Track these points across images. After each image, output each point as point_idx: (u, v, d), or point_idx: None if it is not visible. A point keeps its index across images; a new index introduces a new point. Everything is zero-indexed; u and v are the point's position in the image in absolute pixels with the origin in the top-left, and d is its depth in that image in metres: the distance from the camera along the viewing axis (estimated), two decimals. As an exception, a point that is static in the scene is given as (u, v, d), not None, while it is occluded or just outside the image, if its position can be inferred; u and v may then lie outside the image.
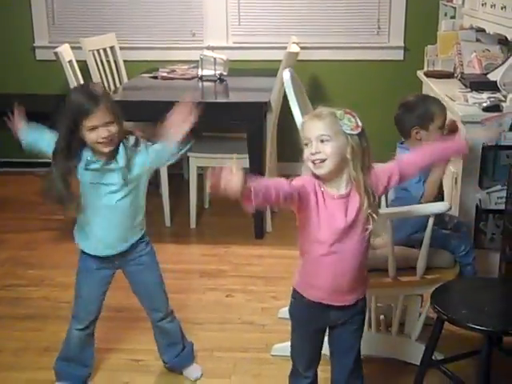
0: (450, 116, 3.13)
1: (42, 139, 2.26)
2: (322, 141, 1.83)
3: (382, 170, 1.97)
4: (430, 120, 2.50)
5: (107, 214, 2.21)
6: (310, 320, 2.00)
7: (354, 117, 1.87)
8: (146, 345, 2.68)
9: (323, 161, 1.83)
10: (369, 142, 1.90)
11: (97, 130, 2.09)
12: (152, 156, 2.22)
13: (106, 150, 2.13)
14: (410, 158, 2.09)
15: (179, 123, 2.19)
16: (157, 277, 2.39)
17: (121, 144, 2.17)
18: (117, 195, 2.19)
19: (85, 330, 2.40)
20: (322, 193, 1.87)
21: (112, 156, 2.16)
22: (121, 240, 2.27)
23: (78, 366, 2.45)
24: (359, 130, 1.86)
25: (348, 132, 1.85)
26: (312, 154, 1.83)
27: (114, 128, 2.11)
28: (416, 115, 2.52)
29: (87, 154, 2.16)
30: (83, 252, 2.32)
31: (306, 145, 1.86)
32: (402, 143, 2.58)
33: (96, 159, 2.16)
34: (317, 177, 1.87)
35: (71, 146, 2.14)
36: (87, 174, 2.17)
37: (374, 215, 1.88)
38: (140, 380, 2.55)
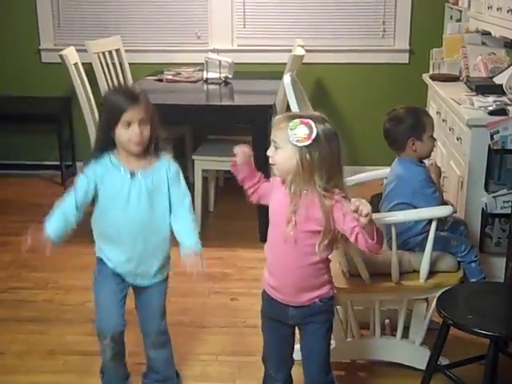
0: (457, 120, 3.13)
1: (67, 215, 2.13)
2: (275, 147, 1.90)
3: (348, 220, 1.86)
4: (423, 130, 2.49)
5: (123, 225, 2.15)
6: (273, 315, 2.04)
7: (310, 128, 1.83)
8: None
9: (273, 165, 1.93)
10: (330, 156, 1.87)
11: (132, 127, 2.03)
12: (175, 211, 2.18)
13: (136, 149, 2.07)
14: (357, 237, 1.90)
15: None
16: (162, 301, 2.33)
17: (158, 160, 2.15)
18: (133, 208, 2.13)
19: (112, 349, 2.26)
20: (278, 189, 1.97)
21: (140, 166, 2.13)
22: (135, 263, 2.20)
23: (119, 378, 2.38)
24: (309, 141, 1.83)
25: (293, 143, 1.84)
26: (269, 157, 1.93)
27: (147, 130, 2.07)
28: (408, 126, 2.49)
29: (114, 160, 2.12)
30: (99, 260, 2.26)
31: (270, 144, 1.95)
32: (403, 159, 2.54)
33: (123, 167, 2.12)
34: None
35: (103, 148, 2.11)
36: (112, 181, 2.12)
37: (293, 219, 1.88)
38: (144, 383, 2.54)
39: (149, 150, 2.12)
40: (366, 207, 1.75)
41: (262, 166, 3.64)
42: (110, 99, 2.11)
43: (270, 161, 1.93)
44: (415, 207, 2.44)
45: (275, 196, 2.00)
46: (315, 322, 2.00)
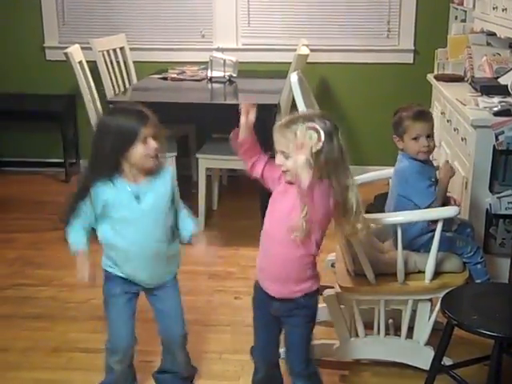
0: (461, 121, 3.13)
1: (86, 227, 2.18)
2: (284, 156, 1.93)
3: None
4: (403, 130, 2.49)
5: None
6: (260, 304, 2.10)
7: (317, 131, 1.85)
8: (157, 346, 2.68)
9: (286, 171, 1.94)
10: (334, 153, 1.91)
11: (148, 142, 2.07)
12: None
13: (152, 163, 2.11)
14: None
15: None
16: (179, 303, 2.38)
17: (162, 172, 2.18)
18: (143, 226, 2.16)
19: (122, 362, 2.33)
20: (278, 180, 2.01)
21: (147, 181, 2.15)
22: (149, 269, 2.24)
23: None
24: (320, 144, 1.85)
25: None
26: (279, 165, 1.95)
27: (159, 144, 2.11)
28: (392, 123, 2.54)
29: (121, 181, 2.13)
30: (106, 276, 2.29)
31: (276, 153, 1.96)
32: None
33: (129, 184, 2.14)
34: None
35: (108, 169, 2.11)
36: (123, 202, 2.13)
37: (305, 225, 1.90)
38: (149, 381, 2.53)
39: (157, 166, 2.17)
40: None
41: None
42: (118, 123, 2.09)
43: (282, 169, 1.95)
44: (410, 200, 2.46)
45: (282, 191, 2.00)
46: (297, 315, 2.04)
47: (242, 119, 2.04)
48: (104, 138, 2.07)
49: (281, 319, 2.08)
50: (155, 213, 2.16)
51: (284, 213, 1.96)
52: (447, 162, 2.70)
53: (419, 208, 2.44)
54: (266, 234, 2.04)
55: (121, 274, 2.25)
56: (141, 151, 2.07)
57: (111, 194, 2.11)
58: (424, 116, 2.52)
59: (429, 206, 2.43)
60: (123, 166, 2.10)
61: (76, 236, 2.16)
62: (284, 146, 1.92)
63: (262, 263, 2.07)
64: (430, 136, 2.49)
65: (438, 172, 2.59)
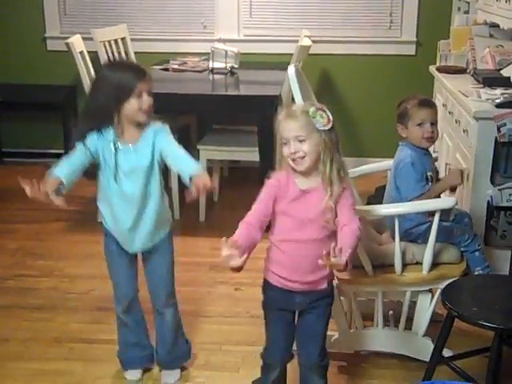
0: (463, 113, 3.12)
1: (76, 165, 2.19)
2: (299, 140, 1.92)
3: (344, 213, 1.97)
4: (407, 117, 2.50)
5: (118, 198, 2.22)
6: (278, 304, 2.06)
7: (325, 111, 1.94)
8: (155, 337, 2.69)
9: (303, 157, 1.93)
10: (338, 135, 1.97)
11: (142, 97, 2.13)
12: (169, 154, 2.21)
13: (144, 118, 2.16)
14: (342, 228, 1.97)
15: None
16: (167, 268, 2.39)
17: (147, 130, 2.20)
18: (127, 180, 2.19)
19: (127, 313, 2.42)
20: (292, 185, 1.97)
21: (135, 139, 2.18)
22: (134, 230, 2.25)
23: (137, 349, 2.48)
24: (331, 124, 1.93)
25: (321, 128, 1.92)
26: (292, 153, 1.93)
27: (152, 101, 2.17)
28: (397, 112, 2.56)
29: (110, 135, 2.17)
30: (105, 233, 2.33)
31: (285, 144, 1.94)
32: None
33: (118, 141, 2.18)
34: (293, 170, 1.97)
35: (107, 117, 2.15)
36: (108, 154, 2.18)
37: (333, 206, 1.94)
38: (149, 372, 2.55)
39: (148, 122, 2.21)
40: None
41: (267, 155, 3.67)
42: (117, 76, 2.15)
43: (297, 155, 1.92)
44: (398, 188, 2.47)
45: (289, 200, 1.97)
46: (320, 305, 2.05)
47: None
48: (101, 89, 2.14)
49: (301, 313, 2.07)
50: (135, 172, 2.18)
51: (311, 213, 1.95)
52: (461, 171, 2.63)
53: (404, 200, 2.44)
54: (289, 243, 1.99)
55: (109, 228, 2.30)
56: (135, 105, 2.13)
57: (100, 144, 2.17)
58: (429, 103, 2.57)
59: (414, 199, 2.43)
60: (116, 119, 2.15)
61: (60, 167, 2.16)
62: (298, 130, 1.92)
63: (292, 263, 2.00)
64: (433, 124, 2.51)
65: (437, 165, 2.59)
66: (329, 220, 1.95)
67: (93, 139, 2.17)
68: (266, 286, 2.08)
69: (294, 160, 1.94)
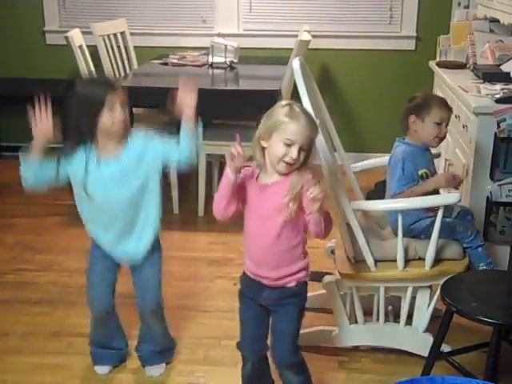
0: (463, 108, 3.11)
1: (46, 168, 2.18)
2: (302, 149, 1.91)
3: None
4: (427, 111, 2.49)
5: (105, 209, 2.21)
6: (247, 293, 2.10)
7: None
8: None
9: (294, 164, 1.91)
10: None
11: (114, 110, 2.10)
12: (165, 152, 2.21)
13: (120, 131, 2.14)
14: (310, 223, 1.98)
15: (186, 96, 2.17)
16: (155, 274, 2.37)
17: (130, 140, 2.19)
18: (115, 190, 2.19)
19: (100, 318, 2.41)
20: (256, 180, 1.99)
21: (117, 151, 2.17)
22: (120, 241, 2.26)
23: (107, 348, 2.48)
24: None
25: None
26: (292, 158, 1.89)
27: (127, 113, 2.15)
28: (414, 104, 2.54)
29: (90, 152, 2.16)
30: (92, 240, 2.34)
31: (288, 145, 1.89)
32: (403, 139, 2.57)
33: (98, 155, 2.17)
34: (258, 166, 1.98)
35: (82, 136, 2.15)
36: (92, 169, 2.16)
37: (292, 205, 1.92)
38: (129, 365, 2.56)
39: (126, 133, 2.19)
40: (316, 191, 1.83)
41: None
42: (85, 92, 2.15)
43: (295, 163, 1.90)
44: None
45: (253, 194, 2.00)
46: (287, 304, 2.04)
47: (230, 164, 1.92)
48: (74, 107, 2.14)
49: (270, 309, 2.07)
50: (117, 181, 2.17)
51: (271, 209, 1.96)
52: (455, 176, 2.56)
53: (388, 196, 2.44)
54: (252, 234, 2.04)
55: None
56: (108, 118, 2.11)
57: (78, 162, 2.16)
58: (449, 105, 2.59)
59: (394, 196, 2.44)
60: (96, 136, 2.14)
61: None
62: (306, 139, 1.90)
63: (256, 257, 2.05)
64: (447, 124, 2.54)
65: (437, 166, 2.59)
66: (291, 212, 1.92)
67: (69, 164, 2.17)
68: (242, 275, 2.13)
69: (286, 164, 1.91)
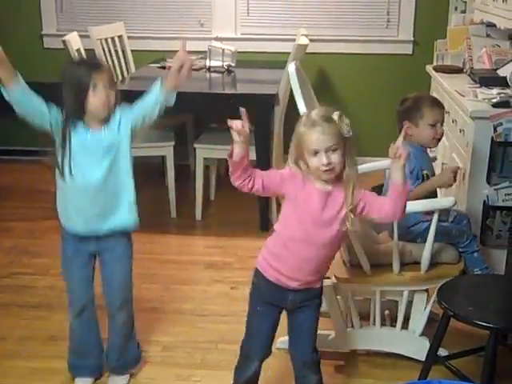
0: (460, 112, 3.12)
1: (34, 102, 2.32)
2: (332, 150, 1.87)
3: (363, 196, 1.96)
4: (419, 115, 2.49)
5: (87, 187, 2.22)
6: (269, 299, 2.04)
7: (346, 118, 1.92)
8: (150, 335, 2.69)
9: (333, 168, 1.88)
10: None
11: (98, 91, 2.13)
12: (135, 114, 2.25)
13: (103, 112, 2.18)
14: (382, 202, 1.99)
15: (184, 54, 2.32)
16: (124, 273, 2.37)
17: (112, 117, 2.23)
18: (96, 168, 2.20)
19: (79, 318, 2.39)
20: (308, 186, 1.93)
21: (102, 126, 2.22)
22: (100, 218, 2.25)
23: (88, 358, 2.45)
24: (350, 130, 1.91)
25: (346, 135, 1.90)
26: (324, 165, 1.87)
27: (112, 95, 2.18)
28: (405, 108, 2.53)
29: (80, 125, 2.21)
30: (63, 235, 2.33)
31: (315, 155, 1.87)
32: None
33: (87, 129, 2.21)
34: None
35: (75, 114, 2.19)
36: (77, 143, 2.20)
37: (351, 215, 1.92)
38: (145, 370, 2.55)
39: (109, 113, 2.22)
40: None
41: (264, 154, 3.68)
42: (72, 72, 2.20)
43: (329, 167, 1.87)
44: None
45: (303, 200, 1.93)
46: (311, 304, 2.06)
47: (236, 137, 1.86)
48: (64, 88, 2.20)
49: (290, 310, 2.07)
50: (96, 155, 2.20)
51: (331, 216, 1.93)
52: (455, 171, 2.56)
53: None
54: (297, 240, 1.96)
55: (66, 226, 2.29)
56: (94, 97, 2.14)
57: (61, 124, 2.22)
58: (440, 102, 2.58)
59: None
60: (82, 114, 2.19)
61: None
62: (330, 139, 1.86)
63: (295, 262, 1.97)
64: (442, 123, 2.53)
65: (436, 168, 2.59)
66: (352, 222, 1.93)
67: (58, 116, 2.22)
68: (259, 277, 2.05)
69: (325, 171, 1.88)
